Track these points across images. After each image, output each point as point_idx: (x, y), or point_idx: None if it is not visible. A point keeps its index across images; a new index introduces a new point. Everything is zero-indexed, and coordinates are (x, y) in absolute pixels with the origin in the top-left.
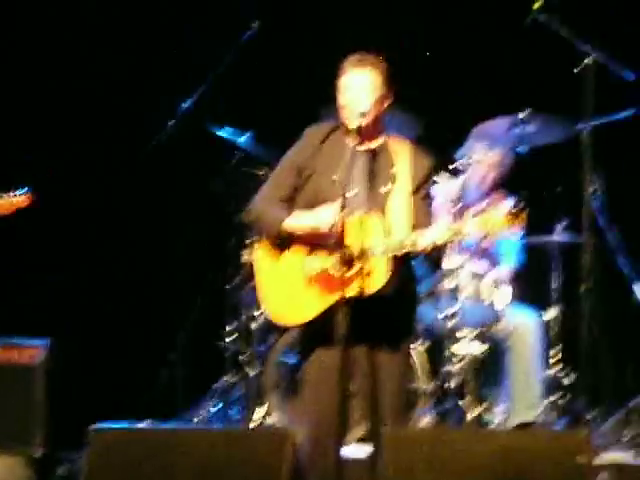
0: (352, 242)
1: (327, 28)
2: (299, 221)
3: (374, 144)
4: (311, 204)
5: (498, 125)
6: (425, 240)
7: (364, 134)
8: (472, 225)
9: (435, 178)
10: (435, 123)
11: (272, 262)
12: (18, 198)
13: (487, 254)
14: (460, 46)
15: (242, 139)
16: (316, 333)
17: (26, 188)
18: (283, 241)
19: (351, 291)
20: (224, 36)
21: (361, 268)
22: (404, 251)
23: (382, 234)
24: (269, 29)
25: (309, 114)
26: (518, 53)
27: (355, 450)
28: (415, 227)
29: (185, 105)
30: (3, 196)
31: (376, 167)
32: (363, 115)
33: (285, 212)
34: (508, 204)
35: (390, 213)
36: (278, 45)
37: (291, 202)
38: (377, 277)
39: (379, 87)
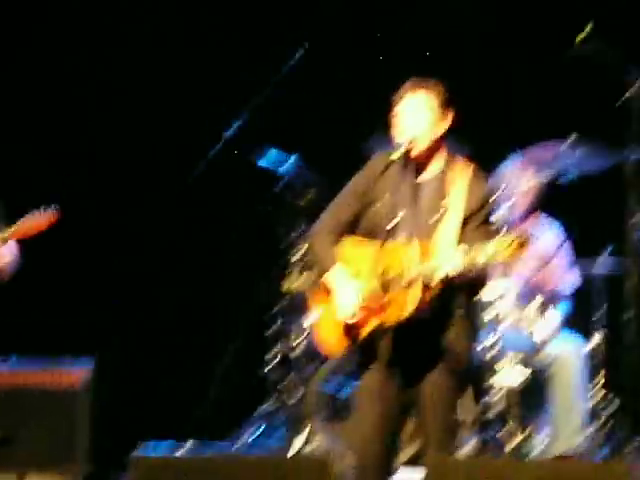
0: (390, 268)
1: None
2: (335, 284)
3: (430, 171)
4: (369, 231)
5: (547, 151)
6: (442, 269)
7: (417, 159)
8: (478, 254)
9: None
10: (480, 149)
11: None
12: (45, 217)
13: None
14: (502, 75)
15: (284, 167)
16: (363, 359)
17: (53, 206)
18: None
19: (390, 317)
20: (270, 59)
21: (397, 294)
22: (433, 279)
23: (418, 261)
24: (315, 52)
25: (356, 142)
26: (562, 82)
27: (403, 476)
28: None
29: (229, 132)
30: (31, 215)
31: (427, 196)
32: (413, 141)
33: (335, 252)
34: (514, 234)
35: (437, 241)
36: (323, 70)
37: (353, 227)
38: (410, 303)
39: (433, 110)
